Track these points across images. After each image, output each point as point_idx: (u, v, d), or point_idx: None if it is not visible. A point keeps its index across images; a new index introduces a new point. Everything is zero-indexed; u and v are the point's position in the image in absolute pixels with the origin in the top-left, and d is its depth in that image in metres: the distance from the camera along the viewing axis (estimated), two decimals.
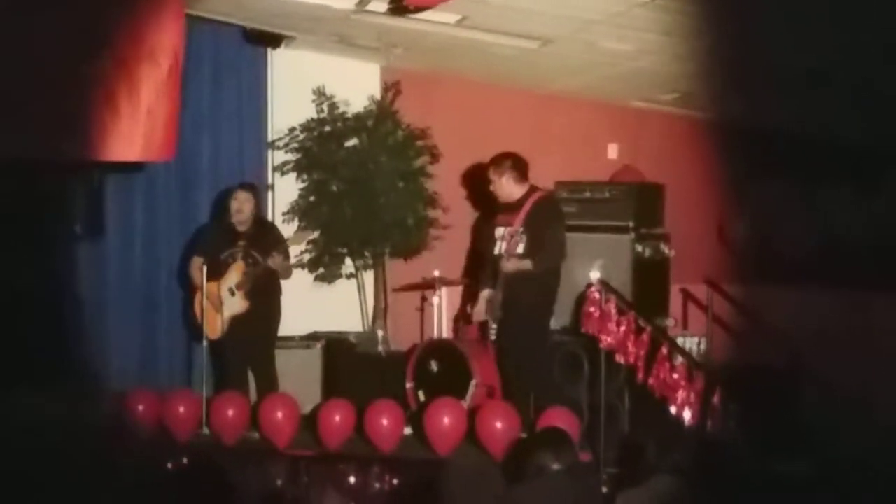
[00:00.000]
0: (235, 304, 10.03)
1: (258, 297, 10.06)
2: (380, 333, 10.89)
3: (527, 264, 9.37)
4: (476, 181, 10.23)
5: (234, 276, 10.06)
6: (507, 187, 9.62)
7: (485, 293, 9.69)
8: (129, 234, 11.38)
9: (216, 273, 10.04)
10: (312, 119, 11.36)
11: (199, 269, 9.98)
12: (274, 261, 10.01)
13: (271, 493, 8.94)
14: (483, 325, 9.84)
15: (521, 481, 5.96)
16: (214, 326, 10.01)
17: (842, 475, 7.61)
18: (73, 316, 10.74)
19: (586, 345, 9.20)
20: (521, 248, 9.41)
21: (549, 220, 9.56)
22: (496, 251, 9.62)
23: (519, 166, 9.65)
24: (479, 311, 9.72)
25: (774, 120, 10.37)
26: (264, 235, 10.25)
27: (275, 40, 11.14)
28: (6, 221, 10.23)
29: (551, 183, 10.15)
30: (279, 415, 9.49)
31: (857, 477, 7.63)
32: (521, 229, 9.43)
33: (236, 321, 10.02)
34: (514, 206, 9.59)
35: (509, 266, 9.38)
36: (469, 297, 10.36)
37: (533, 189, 9.66)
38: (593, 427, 8.95)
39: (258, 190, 10.58)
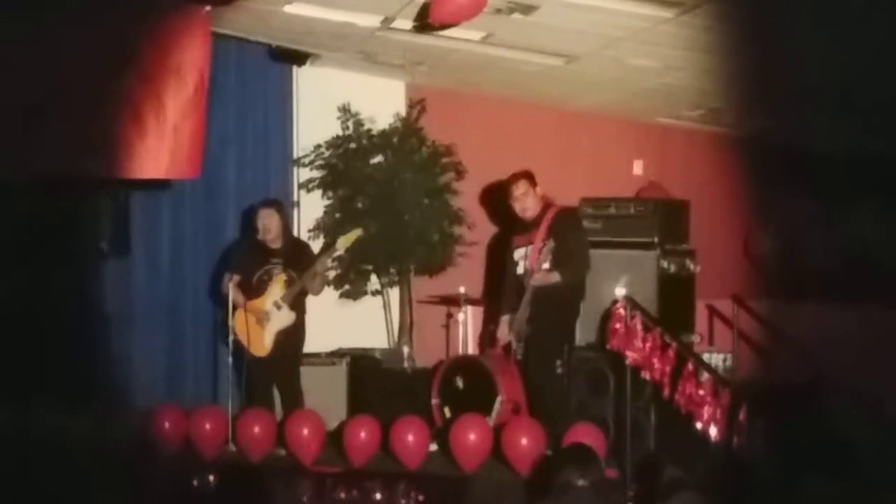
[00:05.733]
0: (283, 318, 9.97)
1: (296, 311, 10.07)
2: (405, 350, 10.88)
3: (555, 276, 9.37)
4: (499, 198, 10.20)
5: (277, 289, 10.00)
6: (534, 202, 9.60)
7: (505, 318, 9.67)
8: (155, 250, 11.41)
9: (249, 291, 9.98)
10: (338, 136, 11.38)
11: (235, 285, 9.87)
12: (322, 263, 10.06)
13: None
14: (507, 345, 9.78)
15: (546, 498, 5.95)
16: (260, 344, 9.96)
17: (868, 492, 7.58)
18: (99, 333, 10.76)
19: (612, 361, 9.16)
20: (546, 264, 9.38)
21: (574, 231, 9.58)
22: (519, 271, 9.62)
23: (536, 181, 9.66)
24: (503, 333, 9.70)
25: (799, 135, 10.34)
26: (299, 254, 10.22)
27: (300, 58, 11.19)
28: (33, 239, 10.29)
29: (576, 199, 10.13)
30: (305, 431, 9.47)
31: (884, 493, 7.59)
32: (549, 243, 9.39)
33: (281, 335, 9.99)
34: (532, 224, 9.58)
35: (540, 279, 9.36)
36: (491, 319, 10.32)
37: (549, 204, 9.66)
38: (619, 443, 8.94)
39: (282, 205, 10.50)
